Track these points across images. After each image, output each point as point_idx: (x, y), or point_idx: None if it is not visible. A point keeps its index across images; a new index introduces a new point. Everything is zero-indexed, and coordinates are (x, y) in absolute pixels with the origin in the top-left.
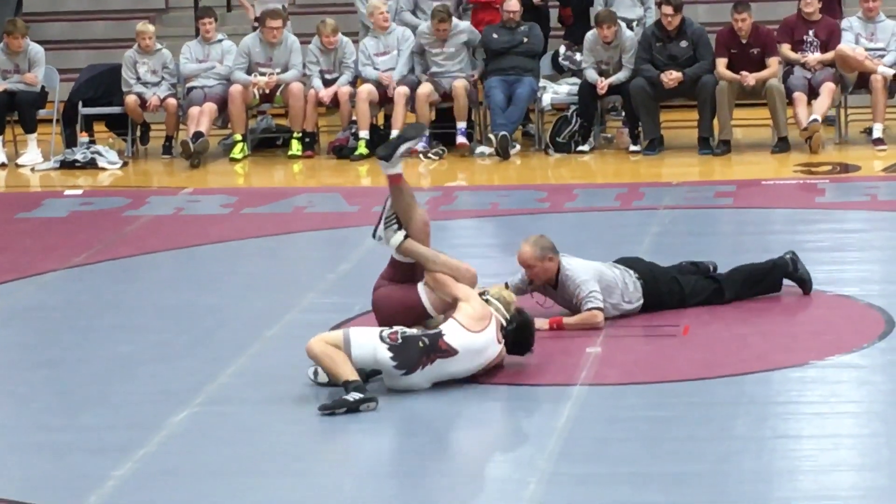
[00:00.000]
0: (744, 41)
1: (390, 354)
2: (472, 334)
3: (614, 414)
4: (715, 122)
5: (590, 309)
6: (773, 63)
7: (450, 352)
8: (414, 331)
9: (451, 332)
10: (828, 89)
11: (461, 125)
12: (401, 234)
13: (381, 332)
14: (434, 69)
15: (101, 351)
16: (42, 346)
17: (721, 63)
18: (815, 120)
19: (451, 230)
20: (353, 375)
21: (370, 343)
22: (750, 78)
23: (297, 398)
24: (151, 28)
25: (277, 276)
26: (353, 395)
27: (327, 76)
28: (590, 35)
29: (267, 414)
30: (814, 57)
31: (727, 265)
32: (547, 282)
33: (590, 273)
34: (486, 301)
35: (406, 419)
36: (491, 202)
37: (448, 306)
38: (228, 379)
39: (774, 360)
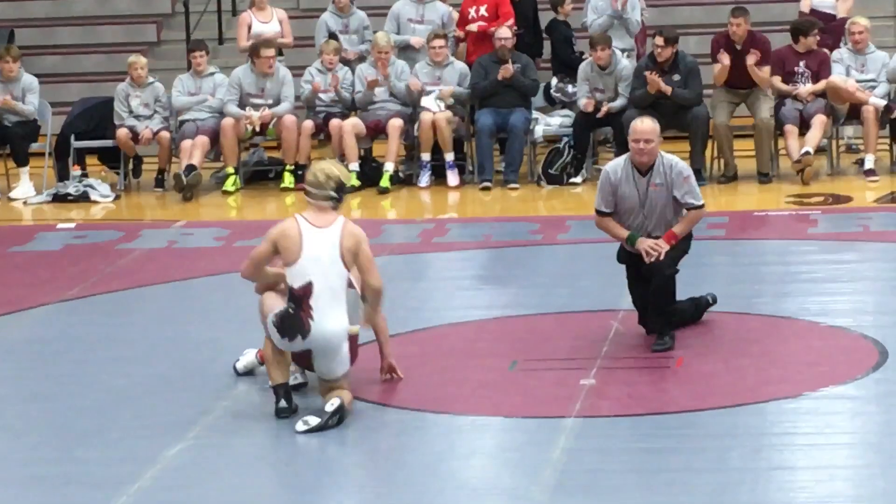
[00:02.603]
0: (738, 47)
1: (279, 336)
2: (296, 263)
3: (609, 446)
4: (708, 153)
5: (697, 207)
6: (767, 72)
7: (306, 289)
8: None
9: (291, 276)
10: (819, 121)
11: (449, 157)
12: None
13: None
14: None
15: (95, 384)
16: (36, 380)
17: (715, 68)
18: (808, 152)
19: (444, 262)
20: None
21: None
22: (725, 58)
23: (293, 431)
24: (143, 59)
25: None
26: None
27: (323, 96)
28: (584, 64)
29: (261, 447)
30: (805, 89)
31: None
32: (649, 162)
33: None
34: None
35: (400, 451)
36: (483, 234)
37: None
38: (223, 412)
39: (768, 391)
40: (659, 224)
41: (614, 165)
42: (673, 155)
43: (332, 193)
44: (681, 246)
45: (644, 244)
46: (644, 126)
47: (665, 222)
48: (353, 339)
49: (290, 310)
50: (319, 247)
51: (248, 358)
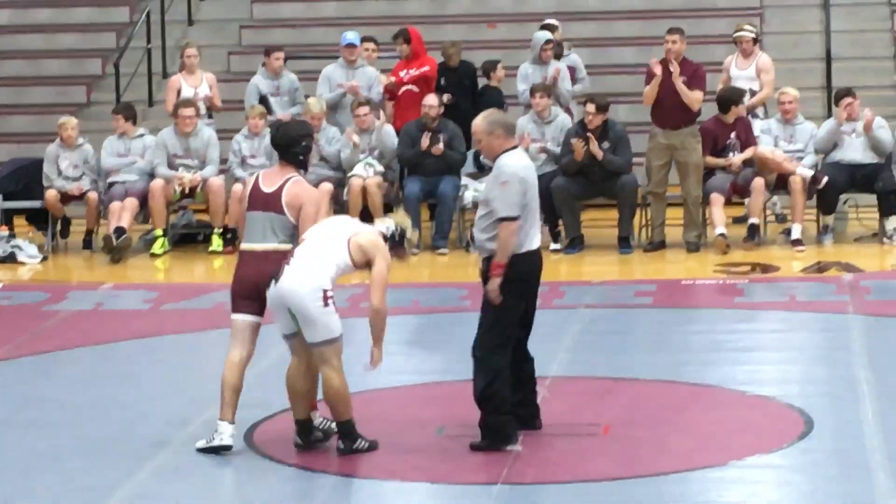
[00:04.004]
0: (672, 69)
1: None
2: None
3: None
4: (636, 221)
5: (500, 219)
6: (699, 96)
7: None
8: None
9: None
10: (758, 185)
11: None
12: None
13: None
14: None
15: (18, 447)
16: None
17: (646, 90)
18: (755, 225)
19: None
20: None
21: None
22: (657, 68)
23: (218, 495)
24: (74, 120)
25: (198, 373)
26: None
27: (252, 161)
28: (522, 119)
29: None
30: (738, 158)
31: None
32: (491, 159)
33: (517, 177)
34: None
35: None
36: (412, 299)
37: None
38: (147, 475)
39: (694, 459)
40: (478, 227)
41: None
42: (512, 161)
43: (391, 224)
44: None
45: None
46: (473, 126)
47: (480, 228)
48: None
49: None
50: (337, 226)
51: None
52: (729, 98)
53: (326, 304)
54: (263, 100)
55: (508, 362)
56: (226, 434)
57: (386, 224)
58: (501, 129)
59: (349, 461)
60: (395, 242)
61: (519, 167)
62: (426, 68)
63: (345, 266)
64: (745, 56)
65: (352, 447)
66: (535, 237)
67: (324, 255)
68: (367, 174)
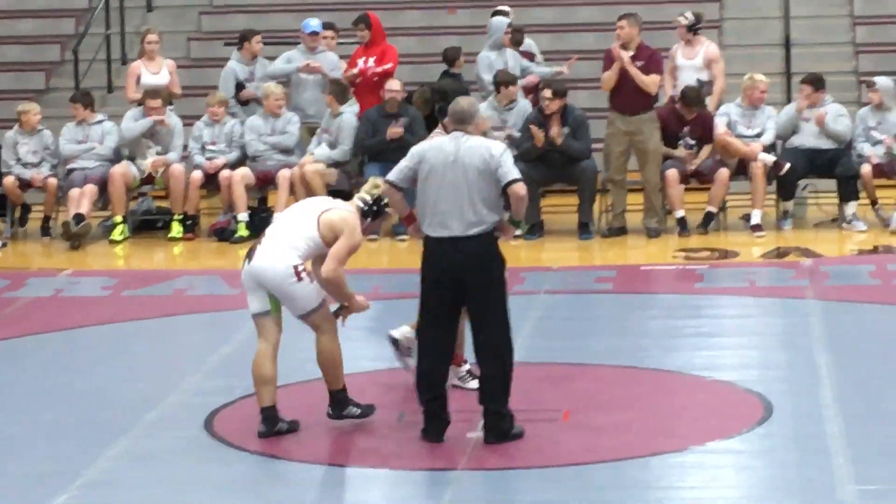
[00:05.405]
0: (631, 52)
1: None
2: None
3: (495, 498)
4: (596, 207)
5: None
6: (656, 80)
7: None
8: None
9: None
10: (722, 175)
11: None
12: None
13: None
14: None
15: None
16: None
17: (606, 74)
18: (711, 213)
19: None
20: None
21: None
22: (623, 53)
23: (178, 482)
24: (37, 106)
25: (158, 359)
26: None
27: (212, 147)
28: (483, 105)
29: (146, 498)
30: (700, 159)
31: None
32: None
33: (411, 152)
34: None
35: None
36: (373, 285)
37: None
38: (108, 462)
39: (654, 445)
40: None
41: None
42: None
43: (367, 197)
44: None
45: None
46: None
47: None
48: None
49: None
50: (310, 204)
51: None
52: (692, 96)
53: (300, 279)
54: (240, 86)
55: (427, 354)
56: None
57: (361, 198)
58: (446, 117)
59: (309, 447)
60: (377, 212)
61: (423, 145)
62: (389, 65)
63: (314, 244)
64: (687, 44)
65: (341, 413)
66: (434, 225)
67: (293, 232)
68: (315, 156)
